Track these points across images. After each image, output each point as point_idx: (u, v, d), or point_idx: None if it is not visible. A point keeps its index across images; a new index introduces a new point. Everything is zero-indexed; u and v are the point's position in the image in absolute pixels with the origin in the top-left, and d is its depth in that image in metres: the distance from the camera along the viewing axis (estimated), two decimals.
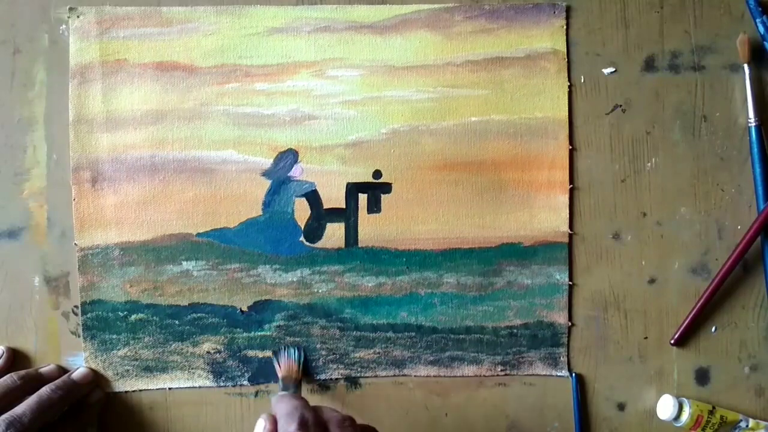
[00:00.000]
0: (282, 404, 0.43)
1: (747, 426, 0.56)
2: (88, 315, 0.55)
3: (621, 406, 0.57)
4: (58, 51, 0.55)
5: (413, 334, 0.56)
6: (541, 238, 0.56)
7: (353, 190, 0.56)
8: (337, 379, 0.56)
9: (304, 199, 0.55)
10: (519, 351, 0.57)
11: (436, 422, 0.57)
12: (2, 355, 0.54)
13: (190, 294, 0.55)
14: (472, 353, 0.56)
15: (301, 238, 0.56)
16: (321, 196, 0.55)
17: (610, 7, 0.57)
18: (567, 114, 0.56)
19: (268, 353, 0.56)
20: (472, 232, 0.56)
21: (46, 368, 0.54)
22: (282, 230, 0.55)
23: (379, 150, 0.56)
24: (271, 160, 0.55)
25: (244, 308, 0.56)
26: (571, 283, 0.57)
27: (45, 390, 0.49)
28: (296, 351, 0.55)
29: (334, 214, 0.56)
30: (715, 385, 0.57)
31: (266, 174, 0.55)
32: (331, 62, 0.55)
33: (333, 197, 0.55)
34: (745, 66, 0.56)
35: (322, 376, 0.56)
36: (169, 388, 0.56)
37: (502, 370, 0.57)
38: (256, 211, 0.55)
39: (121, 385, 0.55)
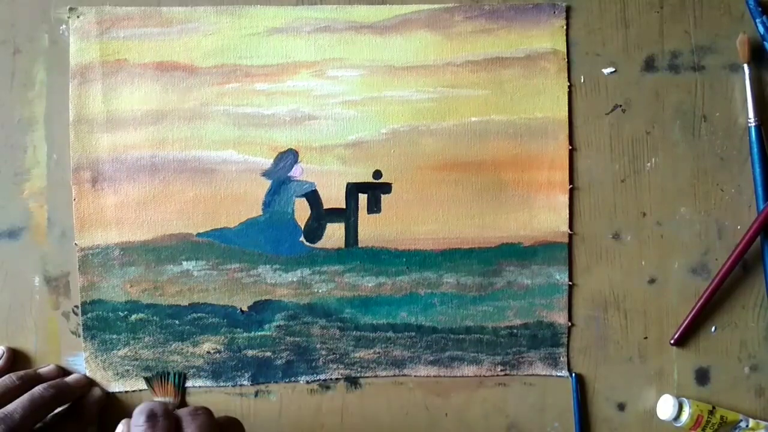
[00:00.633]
0: (137, 408, 0.44)
1: (747, 426, 0.56)
2: (89, 315, 0.55)
3: (621, 406, 0.57)
4: (58, 51, 0.55)
5: (413, 334, 0.56)
6: (541, 239, 0.56)
7: (353, 190, 0.56)
8: (337, 379, 0.56)
9: (304, 199, 0.55)
10: (519, 351, 0.57)
11: (436, 422, 0.57)
12: (2, 356, 0.54)
13: (190, 294, 0.55)
14: (471, 353, 0.56)
15: (301, 238, 0.56)
16: (321, 196, 0.55)
17: (610, 7, 0.57)
18: (567, 114, 0.56)
19: (268, 353, 0.56)
20: (472, 232, 0.56)
21: (45, 369, 0.54)
22: (282, 230, 0.55)
23: (379, 150, 0.56)
24: (271, 160, 0.55)
25: (244, 308, 0.56)
26: (571, 283, 0.57)
27: (38, 389, 0.49)
28: (176, 376, 0.56)
29: (334, 214, 0.56)
30: (715, 385, 0.57)
31: (266, 174, 0.55)
32: (331, 62, 0.55)
33: (333, 197, 0.55)
34: (745, 66, 0.56)
35: (322, 376, 0.56)
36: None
37: (501, 370, 0.57)
38: (256, 211, 0.55)
39: (121, 385, 0.55)
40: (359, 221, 0.56)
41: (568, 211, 0.56)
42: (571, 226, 0.56)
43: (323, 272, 0.56)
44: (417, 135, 0.56)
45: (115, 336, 0.55)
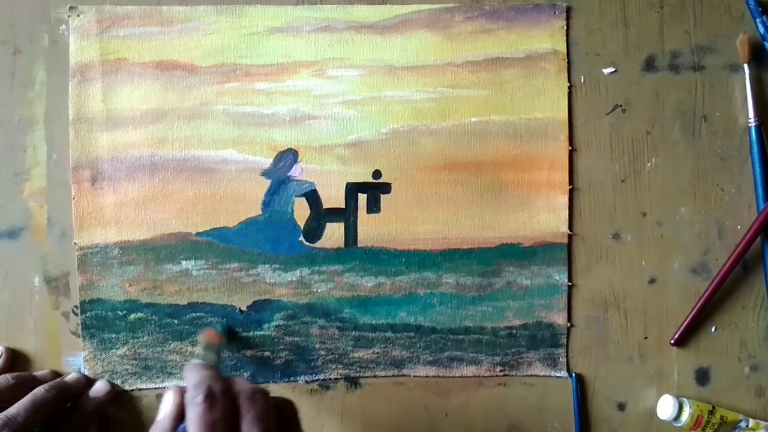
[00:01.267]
0: (191, 375, 0.42)
1: (747, 426, 0.55)
2: (88, 314, 0.55)
3: (621, 406, 0.57)
4: (58, 51, 0.55)
5: (412, 334, 0.56)
6: (541, 239, 0.56)
7: (353, 190, 0.56)
8: (336, 378, 0.56)
9: (303, 198, 0.55)
10: (518, 351, 0.57)
11: (436, 422, 0.57)
12: (2, 356, 0.54)
13: (189, 293, 0.55)
14: (471, 353, 0.56)
15: (301, 238, 0.56)
16: (320, 196, 0.55)
17: (610, 7, 0.57)
18: (567, 114, 0.56)
19: (267, 352, 0.56)
20: (471, 232, 0.56)
21: (41, 372, 0.54)
22: (281, 230, 0.55)
23: (379, 150, 0.56)
24: (271, 160, 0.55)
25: (244, 308, 0.56)
26: (570, 283, 0.57)
27: (39, 390, 0.49)
28: (220, 325, 0.55)
29: (334, 214, 0.56)
30: (715, 385, 0.57)
31: (266, 174, 0.55)
32: (331, 62, 0.56)
33: (332, 197, 0.55)
34: (745, 66, 0.56)
35: (321, 376, 0.56)
36: (169, 388, 0.56)
37: (501, 371, 0.57)
38: (256, 210, 0.55)
39: (120, 385, 0.55)
40: (359, 221, 0.56)
41: (567, 211, 0.56)
42: (570, 227, 0.56)
43: (322, 272, 0.56)
44: (417, 135, 0.56)
45: (114, 335, 0.55)
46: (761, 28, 0.56)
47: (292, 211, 0.55)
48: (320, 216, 0.56)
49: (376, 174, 0.56)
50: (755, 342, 0.57)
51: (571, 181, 0.56)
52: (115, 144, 0.55)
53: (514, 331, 0.57)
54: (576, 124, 0.57)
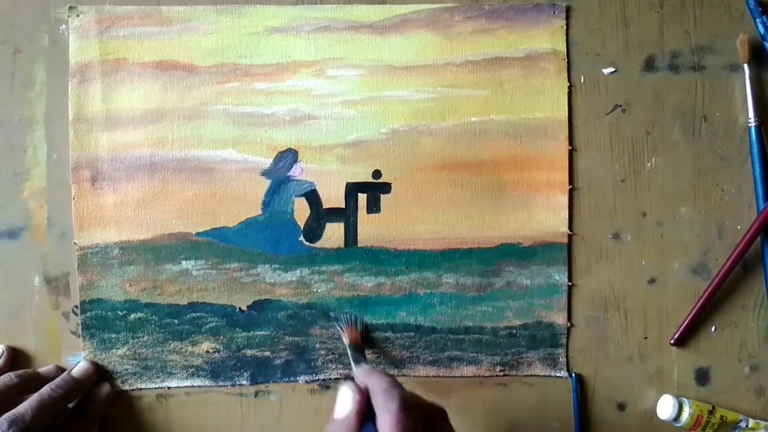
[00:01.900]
0: (375, 379, 0.42)
1: (747, 426, 0.55)
2: (88, 314, 0.55)
3: (621, 406, 0.57)
4: (58, 51, 0.55)
5: (412, 334, 0.56)
6: (541, 239, 0.56)
7: (353, 189, 0.56)
8: (336, 378, 0.56)
9: (303, 198, 0.55)
10: (518, 351, 0.57)
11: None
12: (2, 354, 0.54)
13: (189, 293, 0.55)
14: (470, 353, 0.56)
15: (301, 238, 0.56)
16: (320, 196, 0.55)
17: (610, 7, 0.57)
18: (567, 114, 0.56)
19: (267, 352, 0.56)
20: (471, 232, 0.56)
21: (45, 368, 0.54)
22: (281, 230, 0.55)
23: (379, 150, 0.56)
24: (271, 160, 0.55)
25: (244, 308, 0.56)
26: (570, 283, 0.57)
27: (46, 389, 0.50)
28: (357, 318, 0.55)
29: (334, 214, 0.56)
30: (715, 385, 0.57)
31: (266, 173, 0.55)
32: (331, 62, 0.56)
33: (332, 197, 0.55)
34: (745, 66, 0.56)
35: (321, 376, 0.56)
36: (168, 388, 0.56)
37: (500, 371, 0.57)
38: (256, 210, 0.55)
39: (120, 385, 0.55)
40: (359, 221, 0.56)
41: (567, 211, 0.56)
42: (570, 227, 0.56)
43: (322, 272, 0.56)
44: (417, 135, 0.56)
45: (114, 335, 0.55)
46: (761, 28, 0.56)
47: (292, 211, 0.55)
48: (320, 216, 0.56)
49: (376, 174, 0.56)
50: (755, 342, 0.57)
51: (571, 181, 0.56)
52: (115, 144, 0.55)
53: (514, 331, 0.57)
54: (576, 124, 0.57)
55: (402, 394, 0.40)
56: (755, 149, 0.56)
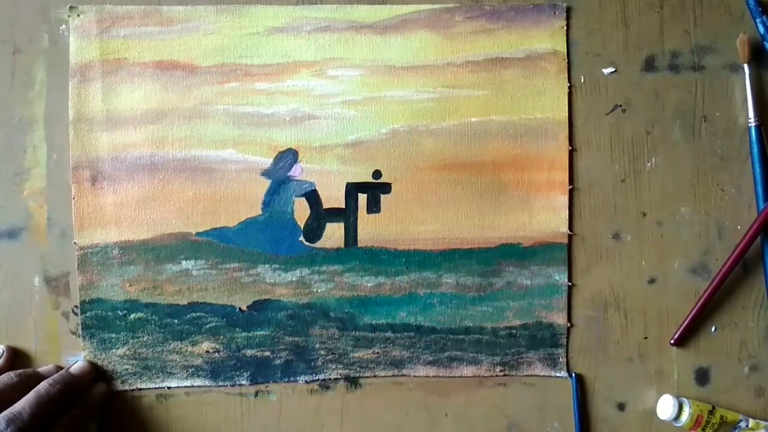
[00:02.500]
0: None
1: (747, 426, 0.55)
2: (88, 314, 0.55)
3: (621, 406, 0.57)
4: (58, 51, 0.55)
5: (412, 334, 0.56)
6: (541, 239, 0.56)
7: (353, 190, 0.56)
8: (336, 378, 0.56)
9: (303, 198, 0.55)
10: (518, 351, 0.57)
11: (436, 422, 0.57)
12: (2, 354, 0.54)
13: (189, 293, 0.55)
14: (470, 353, 0.56)
15: (301, 238, 0.56)
16: (320, 196, 0.55)
17: (610, 7, 0.57)
18: (567, 114, 0.56)
19: (267, 352, 0.56)
20: (471, 232, 0.56)
21: (45, 368, 0.54)
22: (281, 230, 0.55)
23: (379, 150, 0.56)
24: (271, 160, 0.55)
25: (244, 308, 0.56)
26: (570, 283, 0.57)
27: (43, 385, 0.49)
28: None
29: (334, 214, 0.56)
30: (715, 385, 0.57)
31: (266, 173, 0.55)
32: (331, 62, 0.56)
33: (332, 197, 0.55)
34: (745, 66, 0.56)
35: (321, 376, 0.56)
36: (168, 388, 0.56)
37: (500, 371, 0.57)
38: (256, 210, 0.55)
39: (120, 385, 0.55)
40: (359, 221, 0.56)
41: (567, 211, 0.56)
42: (570, 227, 0.56)
43: (322, 272, 0.56)
44: (417, 135, 0.56)
45: (114, 335, 0.55)
46: (761, 28, 0.56)
47: (292, 211, 0.55)
48: (320, 216, 0.56)
49: (376, 174, 0.56)
50: (755, 342, 0.57)
51: (571, 181, 0.56)
52: (115, 144, 0.55)
53: (514, 331, 0.57)
54: (576, 124, 0.57)
55: None
56: (755, 149, 0.56)
